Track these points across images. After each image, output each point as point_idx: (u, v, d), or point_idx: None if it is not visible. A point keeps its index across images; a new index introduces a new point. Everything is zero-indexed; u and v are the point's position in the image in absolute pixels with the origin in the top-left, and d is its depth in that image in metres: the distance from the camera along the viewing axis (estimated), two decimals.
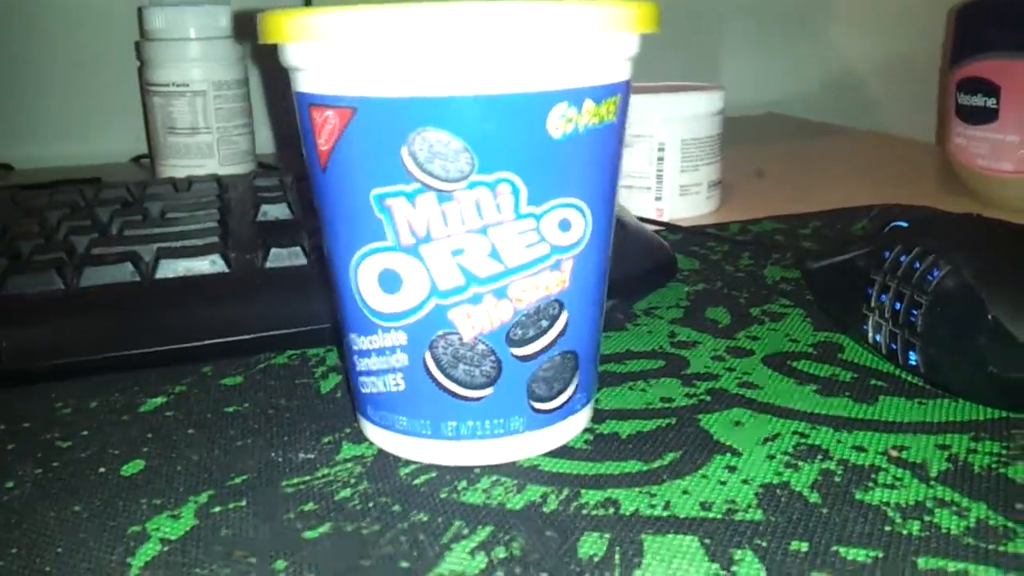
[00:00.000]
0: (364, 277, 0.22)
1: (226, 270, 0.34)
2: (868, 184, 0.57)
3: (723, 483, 0.22)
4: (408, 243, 0.21)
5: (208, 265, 0.34)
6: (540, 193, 0.21)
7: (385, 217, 0.21)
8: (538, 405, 0.23)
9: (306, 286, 0.33)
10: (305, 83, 0.21)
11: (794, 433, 0.25)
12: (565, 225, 0.21)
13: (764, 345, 0.31)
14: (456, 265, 0.21)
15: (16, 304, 0.31)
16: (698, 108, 0.51)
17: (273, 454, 0.24)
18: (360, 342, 0.23)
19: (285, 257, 0.35)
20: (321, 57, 0.20)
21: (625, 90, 0.22)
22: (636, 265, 0.37)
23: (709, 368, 0.29)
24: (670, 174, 0.51)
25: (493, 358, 0.22)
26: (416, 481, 0.23)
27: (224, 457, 0.24)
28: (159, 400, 0.28)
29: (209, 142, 0.57)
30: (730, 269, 0.40)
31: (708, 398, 0.27)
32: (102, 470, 0.23)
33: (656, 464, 0.23)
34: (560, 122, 0.20)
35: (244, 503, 0.22)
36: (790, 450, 0.24)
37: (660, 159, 0.51)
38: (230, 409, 0.27)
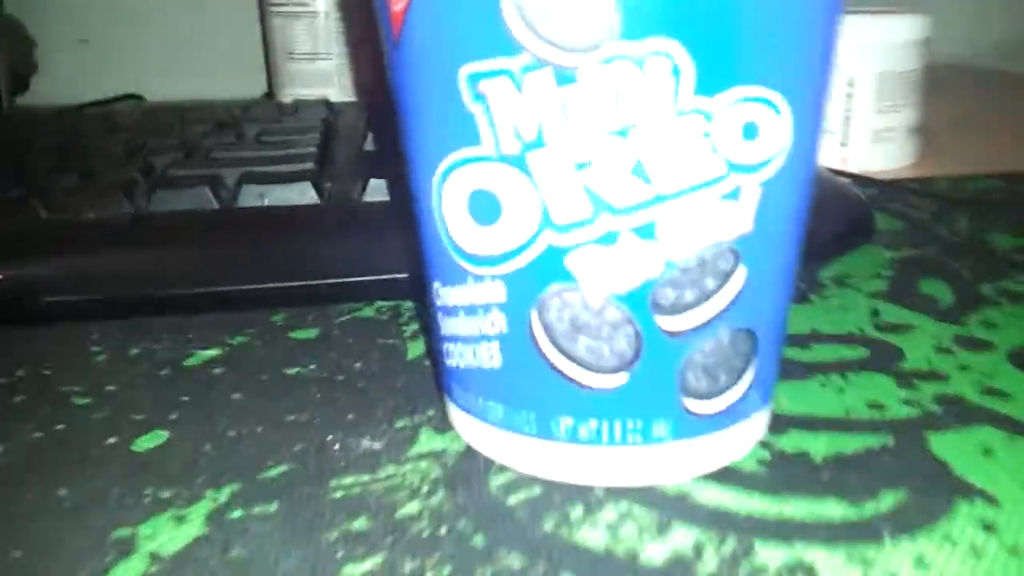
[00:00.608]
0: (451, 200, 0.15)
1: (317, 201, 0.29)
2: None
3: (977, 551, 0.14)
4: (511, 150, 0.14)
5: (296, 194, 0.29)
6: (716, 75, 0.13)
7: (481, 108, 0.14)
8: (693, 404, 0.15)
9: (406, 224, 0.26)
10: None
11: None
12: (752, 131, 0.14)
13: (1007, 336, 0.22)
14: (580, 185, 0.14)
15: (73, 229, 0.26)
16: (900, 35, 0.41)
17: (330, 437, 0.18)
18: (444, 295, 0.16)
19: (386, 190, 0.29)
20: None
21: None
22: (822, 220, 0.29)
23: (933, 364, 0.21)
24: (861, 115, 0.42)
25: (630, 330, 0.15)
26: (511, 500, 0.16)
27: (268, 436, 0.18)
28: (211, 353, 0.22)
29: (329, 69, 0.51)
30: (944, 233, 0.31)
31: (938, 408, 0.19)
32: (112, 441, 0.18)
33: (869, 509, 0.15)
34: None
35: (274, 508, 0.16)
36: None
37: (849, 96, 0.42)
38: (291, 371, 0.21)
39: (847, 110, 0.42)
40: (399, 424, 0.19)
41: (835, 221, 0.29)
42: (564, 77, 0.13)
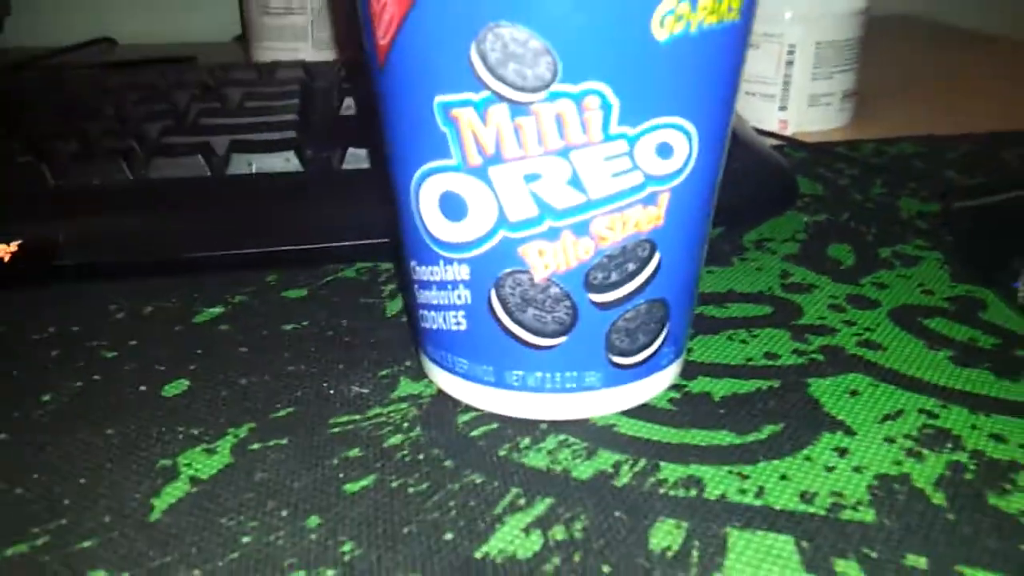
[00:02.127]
0: (426, 199, 0.19)
1: (300, 169, 0.32)
2: None
3: (830, 470, 0.19)
4: (475, 163, 0.17)
5: (282, 162, 0.32)
6: (637, 109, 0.17)
7: (450, 131, 0.17)
8: (618, 359, 0.20)
9: (383, 195, 0.30)
10: None
11: (921, 411, 0.21)
12: (665, 150, 0.18)
13: (892, 295, 0.27)
14: (529, 193, 0.17)
15: (80, 194, 0.30)
16: (838, 6, 0.45)
17: (325, 384, 0.22)
18: (420, 272, 0.20)
19: (363, 158, 0.32)
20: None
21: None
22: (749, 187, 0.33)
23: (825, 320, 0.25)
24: (799, 81, 0.45)
25: (568, 303, 0.19)
26: (474, 432, 0.20)
27: (273, 383, 0.22)
28: (216, 311, 0.26)
29: (303, 23, 0.54)
30: (859, 198, 0.35)
31: (821, 358, 0.23)
32: (143, 388, 0.22)
33: (751, 437, 0.20)
34: (668, 20, 0.16)
35: (285, 441, 0.20)
36: (915, 433, 0.20)
37: (789, 63, 0.45)
38: (288, 327, 0.25)
39: (787, 76, 0.46)
40: (382, 373, 0.23)
41: (762, 190, 0.33)
42: (517, 110, 0.17)
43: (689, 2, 0.16)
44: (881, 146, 0.43)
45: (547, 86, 0.16)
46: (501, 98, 0.17)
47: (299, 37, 0.54)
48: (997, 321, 0.25)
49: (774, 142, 0.43)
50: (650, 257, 0.19)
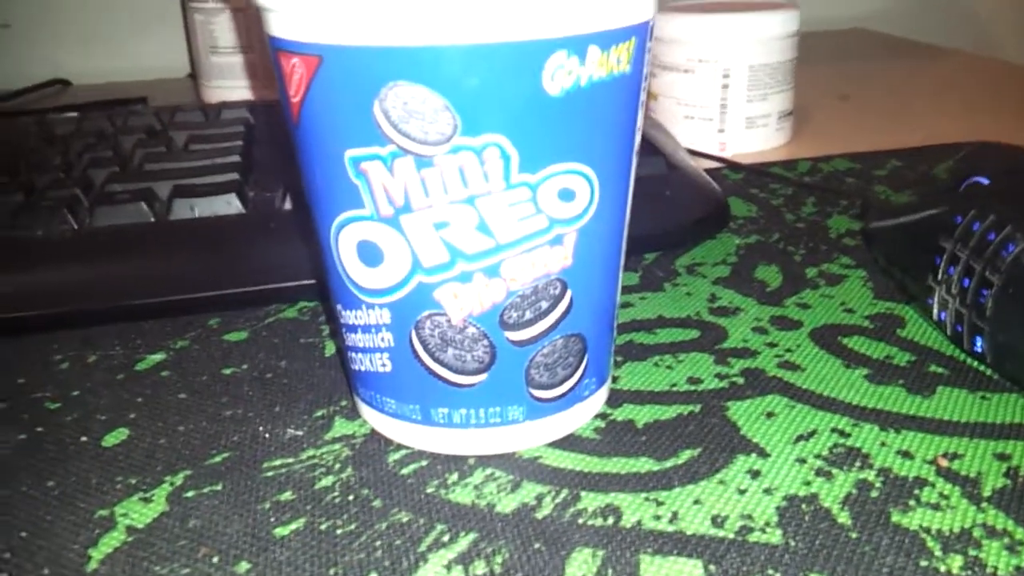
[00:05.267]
0: (344, 246, 0.19)
1: (242, 211, 0.33)
2: (965, 114, 0.52)
3: (742, 492, 0.20)
4: (387, 213, 0.18)
5: (224, 205, 0.33)
6: (535, 159, 0.18)
7: (361, 183, 0.18)
8: (539, 393, 0.20)
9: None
10: (273, 25, 0.18)
11: (833, 431, 0.22)
12: (567, 195, 0.18)
13: (815, 315, 0.28)
14: (440, 240, 0.18)
15: (24, 246, 0.30)
16: (770, 30, 0.46)
17: (261, 428, 0.23)
18: (346, 316, 0.21)
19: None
20: None
21: (644, 33, 0.19)
22: (681, 215, 0.34)
23: (748, 342, 0.26)
24: (735, 104, 0.47)
25: (486, 342, 0.19)
26: (404, 470, 0.21)
27: (211, 429, 0.23)
28: (158, 357, 0.27)
29: (252, 62, 0.54)
30: (790, 218, 0.37)
31: (741, 380, 0.24)
32: (84, 439, 0.22)
33: (670, 463, 0.21)
34: (558, 75, 0.17)
35: (220, 487, 0.20)
36: (825, 452, 0.21)
37: (725, 87, 0.47)
38: (227, 371, 0.26)
39: (723, 100, 0.47)
40: (318, 414, 0.23)
41: (693, 214, 0.34)
42: (422, 162, 0.17)
43: (578, 56, 0.17)
44: (817, 163, 0.44)
45: (448, 140, 0.17)
46: (406, 152, 0.17)
47: (248, 75, 0.55)
48: (914, 338, 0.26)
49: (712, 164, 0.44)
50: (562, 295, 0.19)
